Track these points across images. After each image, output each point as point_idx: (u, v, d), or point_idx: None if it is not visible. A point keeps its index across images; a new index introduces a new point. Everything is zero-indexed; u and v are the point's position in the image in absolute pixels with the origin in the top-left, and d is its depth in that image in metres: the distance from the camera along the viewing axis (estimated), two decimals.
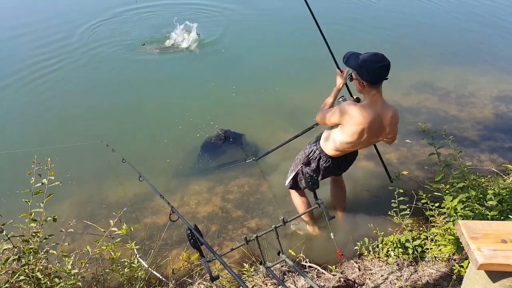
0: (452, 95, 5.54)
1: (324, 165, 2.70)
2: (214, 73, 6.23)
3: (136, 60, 6.60)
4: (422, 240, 2.77)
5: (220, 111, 5.23)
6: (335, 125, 2.51)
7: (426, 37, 7.45)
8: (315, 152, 2.71)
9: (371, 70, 2.25)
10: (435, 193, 2.88)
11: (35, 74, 6.15)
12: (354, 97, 2.65)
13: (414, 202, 2.86)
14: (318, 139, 2.75)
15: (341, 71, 2.69)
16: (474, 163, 3.99)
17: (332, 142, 2.56)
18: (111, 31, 7.49)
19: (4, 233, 1.99)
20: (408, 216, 2.79)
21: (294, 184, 2.98)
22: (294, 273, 2.65)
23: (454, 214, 2.50)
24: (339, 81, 2.67)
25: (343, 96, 2.69)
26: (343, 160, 2.75)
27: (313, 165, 2.74)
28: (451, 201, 2.53)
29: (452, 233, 2.55)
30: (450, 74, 6.10)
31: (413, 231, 2.86)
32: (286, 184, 3.04)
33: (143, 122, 5.12)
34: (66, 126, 5.06)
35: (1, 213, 2.03)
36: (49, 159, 2.19)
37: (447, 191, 2.74)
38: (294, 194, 3.11)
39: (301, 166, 2.81)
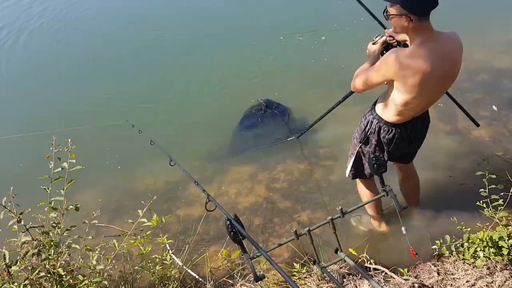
0: None
1: (387, 136, 2.56)
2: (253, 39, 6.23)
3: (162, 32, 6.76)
4: None
5: (261, 82, 5.24)
6: (389, 84, 2.38)
7: None
8: (372, 122, 2.59)
9: None
10: None
11: (53, 52, 6.53)
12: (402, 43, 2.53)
13: (510, 191, 2.72)
14: (373, 107, 2.63)
15: (373, 42, 2.61)
16: None
17: (392, 105, 2.42)
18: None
19: (22, 223, 2.12)
20: (502, 208, 2.66)
21: (357, 171, 2.88)
22: (356, 276, 2.63)
23: None
24: (374, 49, 2.58)
25: (379, 34, 2.60)
26: (411, 128, 2.57)
27: (373, 140, 2.61)
28: None
29: None
30: None
31: (509, 227, 2.71)
32: (347, 175, 2.95)
33: (171, 99, 5.24)
34: (85, 107, 5.31)
35: (19, 202, 2.16)
36: (69, 139, 2.30)
37: None
38: (359, 184, 3.04)
39: (360, 146, 2.73)
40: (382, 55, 2.55)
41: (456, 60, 2.31)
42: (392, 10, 2.18)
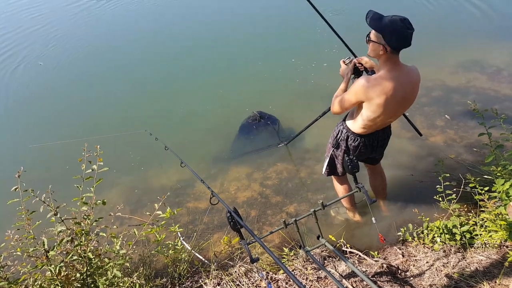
0: (504, 72, 5.15)
1: (353, 144, 2.58)
2: (249, 60, 6.24)
3: (173, 51, 6.76)
4: (471, 226, 2.62)
5: (257, 97, 5.24)
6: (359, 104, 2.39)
7: (474, 10, 6.93)
8: (342, 131, 2.61)
9: (402, 36, 2.07)
10: (485, 176, 2.71)
11: (77, 66, 6.52)
12: (369, 72, 2.56)
13: (462, 187, 2.71)
14: (344, 119, 2.64)
15: (344, 62, 2.62)
16: None
17: (359, 119, 2.43)
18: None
19: (58, 215, 2.11)
20: (455, 201, 2.66)
21: (331, 170, 2.89)
22: (335, 258, 2.62)
23: (506, 198, 2.34)
24: (346, 71, 2.57)
25: (349, 57, 2.61)
26: (374, 138, 2.58)
27: (343, 146, 2.64)
28: (503, 184, 2.37)
29: (504, 218, 2.40)
30: (502, 50, 5.66)
31: (461, 217, 2.71)
32: (323, 172, 2.95)
33: (183, 111, 5.25)
34: (111, 117, 5.32)
35: (55, 198, 2.15)
36: (98, 146, 2.30)
37: (498, 174, 2.56)
38: (334, 180, 3.04)
39: (333, 150, 2.74)
40: (353, 75, 2.58)
41: (414, 88, 2.34)
42: (374, 37, 2.17)
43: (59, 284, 2.06)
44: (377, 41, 2.15)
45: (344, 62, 2.64)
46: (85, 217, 2.18)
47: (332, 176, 3.01)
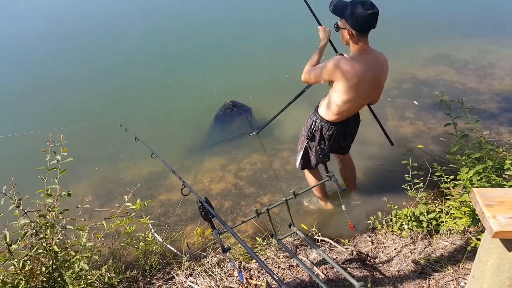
0: (471, 66, 5.35)
1: (327, 133, 2.62)
2: (225, 51, 6.19)
3: (146, 39, 6.61)
4: (437, 213, 2.71)
5: (230, 88, 5.22)
6: (329, 84, 2.44)
7: (444, 6, 7.15)
8: (315, 122, 2.64)
9: (362, 18, 2.14)
10: (451, 165, 2.81)
11: (48, 56, 6.25)
12: (339, 53, 2.59)
13: (429, 176, 2.80)
14: (316, 109, 2.68)
15: (323, 26, 2.62)
16: (492, 136, 3.87)
17: (333, 106, 2.47)
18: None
19: (21, 207, 2.03)
20: (422, 189, 2.74)
21: (305, 163, 2.91)
22: (306, 246, 2.65)
23: (470, 186, 2.44)
24: (323, 37, 2.58)
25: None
26: (346, 126, 2.64)
27: (317, 136, 2.67)
28: (467, 172, 2.46)
29: (467, 205, 2.50)
30: (469, 45, 5.88)
31: (428, 205, 2.80)
32: (297, 166, 2.97)
33: (155, 103, 5.16)
34: (79, 107, 5.16)
35: (18, 191, 2.07)
36: (61, 135, 2.21)
37: (463, 162, 2.66)
38: (307, 173, 3.07)
39: (307, 142, 2.76)
40: None
41: (383, 71, 2.41)
42: (340, 24, 2.29)
43: (23, 279, 1.98)
44: (343, 27, 2.27)
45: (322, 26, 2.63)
46: (50, 209, 2.10)
47: (305, 170, 3.03)
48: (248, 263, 2.50)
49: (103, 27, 7.55)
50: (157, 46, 6.64)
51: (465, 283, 2.18)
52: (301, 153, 2.85)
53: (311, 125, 2.68)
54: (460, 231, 2.61)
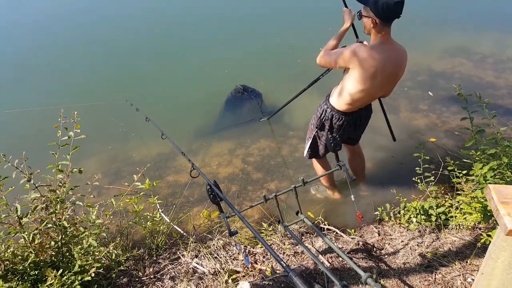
0: (489, 60, 5.21)
1: (338, 123, 2.57)
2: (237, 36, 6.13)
3: (160, 21, 6.55)
4: (447, 208, 2.68)
5: (243, 73, 5.17)
6: (344, 71, 2.38)
7: None
8: (326, 111, 2.59)
9: (387, 6, 2.07)
10: (464, 160, 2.76)
11: (60, 35, 6.25)
12: (359, 40, 2.53)
13: (440, 170, 2.75)
14: (327, 98, 2.62)
15: (349, 9, 2.53)
16: (508, 132, 3.79)
17: (345, 94, 2.42)
18: None
19: (32, 182, 2.05)
20: (433, 183, 2.71)
21: (313, 152, 2.88)
22: (312, 234, 2.65)
23: (484, 182, 2.39)
24: (347, 20, 2.51)
25: (345, 46, 2.55)
26: (357, 117, 2.60)
27: (327, 126, 2.62)
28: (481, 168, 2.41)
29: (479, 201, 2.46)
30: (488, 38, 5.71)
31: (438, 199, 2.77)
32: (304, 155, 2.94)
33: (166, 85, 5.14)
34: (91, 85, 5.17)
35: (30, 165, 2.08)
36: (75, 112, 2.21)
37: (477, 158, 2.61)
38: (315, 162, 3.04)
39: (316, 131, 2.72)
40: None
41: (402, 65, 2.36)
42: (364, 12, 2.22)
43: (33, 252, 2.02)
44: (366, 15, 2.19)
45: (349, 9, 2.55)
46: (60, 184, 2.12)
47: (313, 159, 3.01)
48: (253, 248, 2.51)
49: (119, 6, 7.51)
50: (171, 27, 6.59)
51: (473, 279, 2.16)
52: (310, 142, 2.82)
53: (321, 114, 2.63)
54: (469, 227, 2.58)
